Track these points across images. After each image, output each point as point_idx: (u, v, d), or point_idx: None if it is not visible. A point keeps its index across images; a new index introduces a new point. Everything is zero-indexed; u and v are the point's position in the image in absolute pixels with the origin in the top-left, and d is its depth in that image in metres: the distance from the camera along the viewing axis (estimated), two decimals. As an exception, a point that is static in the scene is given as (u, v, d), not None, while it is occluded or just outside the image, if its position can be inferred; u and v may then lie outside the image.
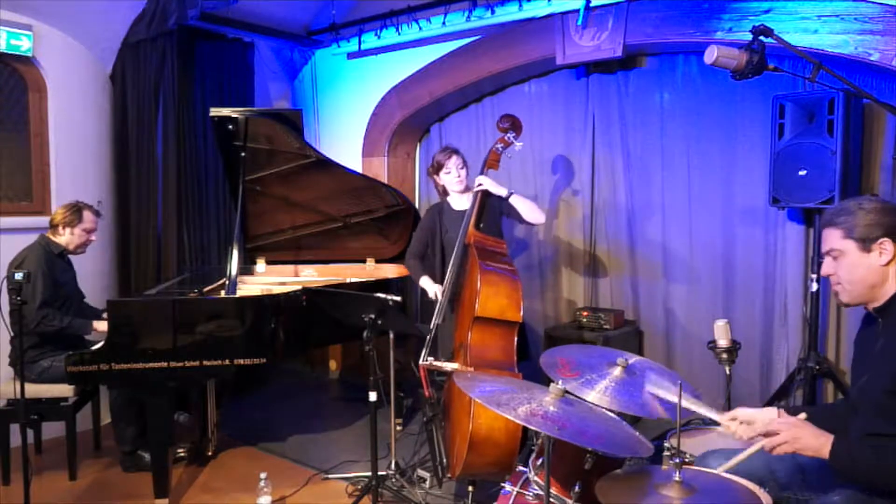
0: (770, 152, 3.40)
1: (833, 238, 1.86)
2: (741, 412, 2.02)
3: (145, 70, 4.56)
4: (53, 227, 3.68)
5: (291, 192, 4.28)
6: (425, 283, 3.60)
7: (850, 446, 1.75)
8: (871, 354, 1.88)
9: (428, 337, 3.24)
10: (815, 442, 1.74)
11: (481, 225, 3.48)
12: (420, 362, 3.11)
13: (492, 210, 3.56)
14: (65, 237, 3.68)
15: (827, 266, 1.90)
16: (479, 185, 3.51)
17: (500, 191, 3.50)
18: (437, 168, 3.67)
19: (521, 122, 3.68)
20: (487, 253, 3.27)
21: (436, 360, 3.08)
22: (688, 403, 2.08)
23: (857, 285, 1.84)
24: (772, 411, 2.03)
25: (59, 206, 3.78)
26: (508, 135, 3.61)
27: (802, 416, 1.85)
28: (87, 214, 3.72)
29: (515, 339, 3.08)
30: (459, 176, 3.62)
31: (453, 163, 3.62)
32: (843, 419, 1.96)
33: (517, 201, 3.49)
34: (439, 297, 3.41)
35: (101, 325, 3.56)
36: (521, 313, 3.08)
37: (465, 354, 3.03)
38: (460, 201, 3.66)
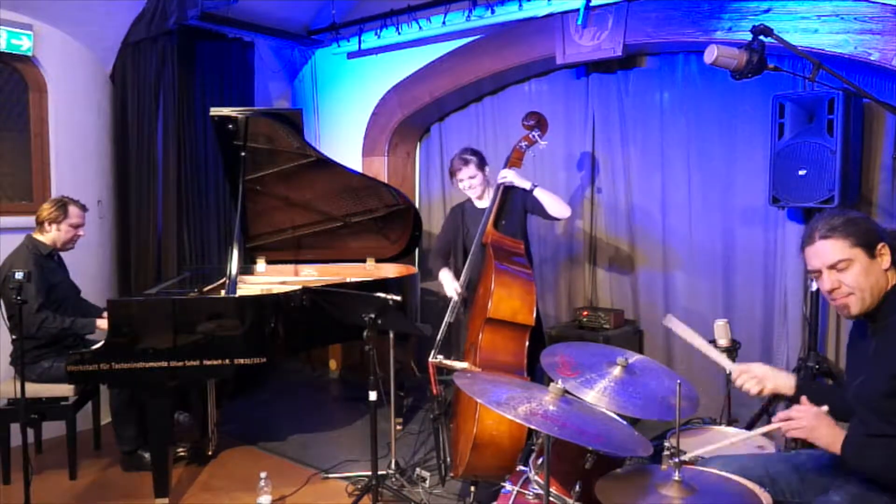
0: (770, 152, 3.40)
1: (838, 249, 1.81)
2: (756, 368, 2.14)
3: (145, 70, 4.55)
4: (39, 224, 3.58)
5: (291, 192, 4.28)
6: (444, 276, 3.55)
7: (862, 444, 1.77)
8: (865, 357, 1.88)
9: (439, 334, 3.20)
10: (830, 435, 1.79)
11: (503, 222, 3.45)
12: (430, 360, 3.09)
13: (514, 207, 3.50)
14: (52, 234, 3.58)
15: (830, 280, 1.84)
16: (504, 178, 3.45)
17: (525, 184, 3.43)
18: (451, 173, 3.63)
19: (547, 120, 3.62)
20: (504, 253, 3.23)
21: (445, 358, 3.05)
22: (700, 346, 2.26)
23: (867, 292, 1.81)
24: (790, 378, 2.11)
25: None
26: (533, 133, 3.56)
27: (825, 408, 1.86)
28: (72, 209, 3.61)
29: (527, 342, 3.04)
30: (471, 186, 3.56)
31: (465, 173, 3.55)
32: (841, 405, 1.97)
33: (542, 195, 3.42)
34: (455, 296, 3.39)
35: (104, 323, 3.48)
36: (534, 317, 3.05)
37: (474, 355, 3.02)
38: (482, 200, 3.60)
